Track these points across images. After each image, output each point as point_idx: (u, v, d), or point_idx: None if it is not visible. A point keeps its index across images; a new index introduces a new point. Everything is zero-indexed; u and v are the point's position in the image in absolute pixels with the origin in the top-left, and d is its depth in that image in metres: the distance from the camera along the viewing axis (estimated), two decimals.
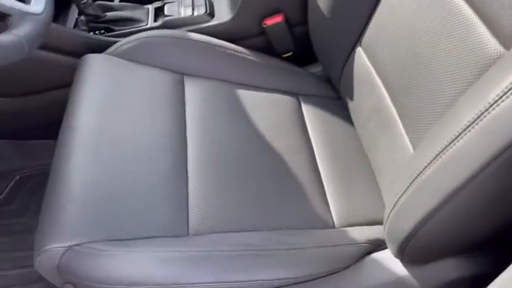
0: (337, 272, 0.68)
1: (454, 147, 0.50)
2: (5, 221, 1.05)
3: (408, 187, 0.57)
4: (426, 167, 0.54)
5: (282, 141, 0.85)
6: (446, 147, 0.51)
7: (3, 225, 1.05)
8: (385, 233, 0.66)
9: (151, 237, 0.65)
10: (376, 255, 0.70)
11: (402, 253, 0.64)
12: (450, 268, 0.66)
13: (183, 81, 0.90)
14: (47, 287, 0.93)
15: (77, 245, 0.61)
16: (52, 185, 0.69)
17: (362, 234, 0.73)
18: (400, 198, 0.60)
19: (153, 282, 0.59)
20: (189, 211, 0.70)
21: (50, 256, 0.61)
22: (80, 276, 0.60)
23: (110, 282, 0.59)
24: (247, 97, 0.92)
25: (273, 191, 0.77)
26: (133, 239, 0.64)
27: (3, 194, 1.10)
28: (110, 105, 0.80)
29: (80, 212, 0.64)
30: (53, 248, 0.61)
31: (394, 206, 0.62)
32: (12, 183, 1.11)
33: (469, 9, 0.58)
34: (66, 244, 0.61)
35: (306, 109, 0.94)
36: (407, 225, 0.57)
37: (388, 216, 0.64)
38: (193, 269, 0.61)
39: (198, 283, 0.60)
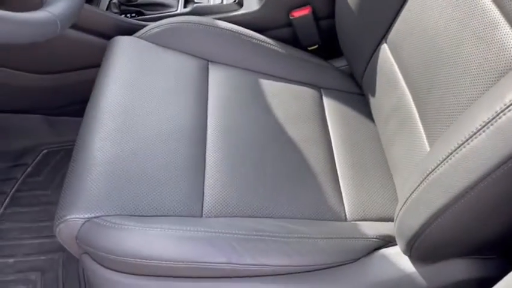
0: (346, 264, 0.69)
1: (467, 146, 0.50)
2: (32, 192, 1.10)
3: (420, 184, 0.57)
4: (439, 164, 0.54)
5: (300, 132, 0.86)
6: (460, 146, 0.51)
7: (29, 196, 1.09)
8: (395, 229, 0.67)
9: (167, 215, 0.67)
10: (385, 250, 0.70)
11: (410, 250, 0.64)
12: (458, 269, 0.66)
13: (207, 68, 0.92)
14: (66, 257, 0.98)
15: (96, 217, 0.64)
16: (76, 160, 0.72)
17: (373, 229, 0.73)
18: (411, 194, 0.60)
19: (165, 258, 0.61)
20: (205, 194, 0.72)
21: (70, 226, 0.64)
22: (96, 246, 0.62)
23: (123, 255, 0.61)
24: (270, 87, 0.93)
25: (288, 180, 0.78)
26: (149, 216, 0.66)
27: (31, 166, 1.14)
28: (135, 87, 0.83)
29: (101, 187, 0.67)
30: (73, 219, 0.64)
31: (405, 202, 0.62)
32: (40, 157, 1.16)
33: (496, 10, 0.58)
34: (86, 216, 0.64)
35: (327, 102, 0.95)
36: (416, 221, 0.58)
37: (399, 211, 0.65)
38: (205, 248, 0.63)
39: (209, 262, 0.62)
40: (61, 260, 0.98)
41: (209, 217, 0.70)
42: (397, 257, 0.68)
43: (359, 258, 0.70)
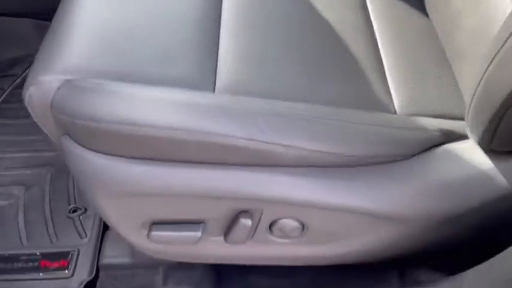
0: (397, 160, 0.53)
1: None
2: (20, 104, 0.95)
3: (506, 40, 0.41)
4: None
5: (336, 16, 0.69)
6: None
7: (17, 108, 0.96)
8: (469, 113, 0.51)
9: (170, 86, 0.52)
10: (451, 145, 0.55)
11: (491, 138, 0.48)
12: None
13: None
14: (55, 172, 0.84)
15: (77, 79, 0.49)
16: (55, 21, 0.57)
17: (432, 123, 0.57)
18: (493, 59, 0.44)
19: (161, 124, 0.46)
20: (218, 67, 0.56)
21: (43, 89, 0.50)
22: (73, 113, 0.47)
23: (107, 120, 0.46)
24: None
25: (321, 64, 0.62)
26: (148, 84, 0.51)
27: (21, 77, 1.01)
28: None
29: (88, 46, 0.52)
30: (47, 80, 0.49)
31: (485, 71, 0.46)
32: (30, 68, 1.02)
33: None
34: (62, 77, 0.49)
35: None
36: (500, 93, 0.42)
37: (476, 88, 0.48)
38: (222, 119, 0.48)
39: (226, 135, 0.47)
40: (49, 175, 0.84)
41: (223, 93, 0.54)
42: (468, 152, 0.53)
43: (415, 155, 0.54)
